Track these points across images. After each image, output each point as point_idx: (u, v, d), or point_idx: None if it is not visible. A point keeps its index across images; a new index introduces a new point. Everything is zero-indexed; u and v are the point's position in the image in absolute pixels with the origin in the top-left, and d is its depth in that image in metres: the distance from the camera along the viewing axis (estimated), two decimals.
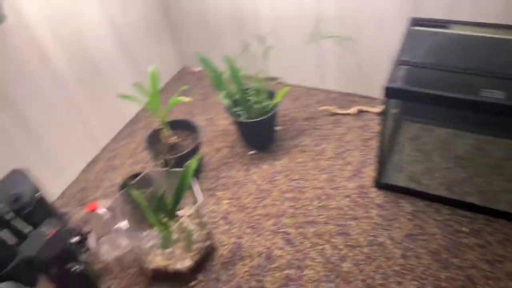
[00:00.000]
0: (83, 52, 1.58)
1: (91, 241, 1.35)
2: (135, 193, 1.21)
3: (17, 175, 1.29)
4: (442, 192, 1.36)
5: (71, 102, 1.57)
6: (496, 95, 1.05)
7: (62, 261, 1.13)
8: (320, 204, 1.40)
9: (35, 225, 1.21)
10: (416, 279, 1.16)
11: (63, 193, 1.60)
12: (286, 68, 1.87)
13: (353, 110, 1.72)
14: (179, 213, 1.35)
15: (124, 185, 1.46)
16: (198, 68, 2.14)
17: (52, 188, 1.56)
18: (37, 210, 1.26)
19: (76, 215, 1.50)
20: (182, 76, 2.15)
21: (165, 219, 1.27)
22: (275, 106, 1.52)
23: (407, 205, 1.35)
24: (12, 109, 1.34)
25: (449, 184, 1.38)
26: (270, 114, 1.50)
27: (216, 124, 1.81)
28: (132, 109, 1.92)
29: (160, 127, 1.51)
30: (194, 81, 2.11)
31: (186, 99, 1.35)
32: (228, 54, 1.50)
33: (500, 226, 1.25)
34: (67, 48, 1.50)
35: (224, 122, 1.81)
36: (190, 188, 1.24)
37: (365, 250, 1.25)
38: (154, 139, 1.52)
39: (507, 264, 1.16)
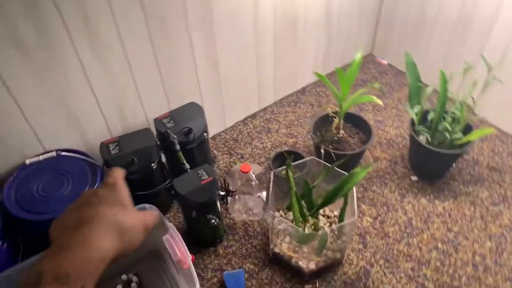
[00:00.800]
0: (291, 11, 1.52)
1: (231, 199, 1.36)
2: (291, 174, 1.16)
3: (193, 108, 1.33)
4: None
5: (258, 55, 1.55)
6: None
7: (205, 209, 1.15)
8: (473, 273, 1.19)
9: (192, 162, 1.25)
10: None
11: (216, 135, 1.64)
12: (488, 100, 1.59)
13: None
14: (321, 211, 1.28)
15: (277, 157, 1.43)
16: (385, 61, 1.96)
17: (211, 127, 1.60)
18: (198, 149, 1.30)
19: (221, 161, 1.53)
20: (365, 63, 2.00)
21: (306, 212, 1.21)
22: (467, 144, 1.30)
23: None
24: (211, 44, 1.37)
25: None
26: (458, 150, 1.30)
27: (383, 129, 1.65)
28: (304, 79, 1.86)
29: (333, 114, 1.42)
30: (375, 73, 1.94)
31: (379, 101, 1.21)
32: (443, 68, 1.30)
33: None
34: (280, 3, 1.46)
35: (394, 131, 1.64)
36: (345, 196, 1.14)
37: None
38: (322, 123, 1.44)
39: None
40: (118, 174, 0.50)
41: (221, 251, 1.27)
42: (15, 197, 1.06)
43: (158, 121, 1.26)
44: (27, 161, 1.05)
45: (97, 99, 1.20)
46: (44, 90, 1.08)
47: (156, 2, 1.15)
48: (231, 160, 1.55)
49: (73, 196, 1.07)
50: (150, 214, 0.49)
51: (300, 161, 1.22)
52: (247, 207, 1.38)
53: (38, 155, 1.11)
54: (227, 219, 1.35)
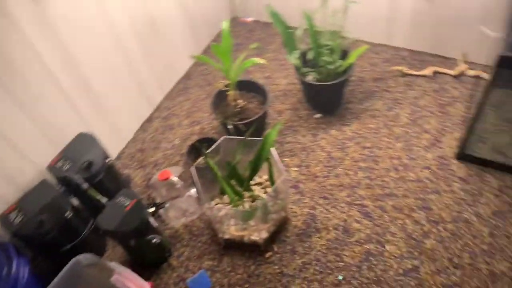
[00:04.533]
0: (148, 15, 1.45)
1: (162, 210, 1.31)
2: (211, 162, 1.15)
3: (84, 139, 1.23)
4: None
5: (128, 61, 1.46)
6: None
7: (141, 233, 1.09)
8: (397, 176, 1.32)
9: (106, 193, 1.17)
10: (507, 259, 1.11)
11: (121, 153, 1.55)
12: (350, 21, 1.71)
13: (428, 71, 1.58)
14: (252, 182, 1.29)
15: (191, 150, 1.39)
16: (250, 18, 1.98)
17: (110, 149, 1.50)
18: (107, 177, 1.22)
19: (136, 178, 1.46)
20: (233, 27, 2.00)
21: (239, 189, 1.22)
22: (349, 67, 1.40)
23: (493, 179, 1.27)
24: (75, 71, 1.25)
25: None
26: (344, 76, 1.39)
27: (275, 83, 1.70)
28: (183, 65, 1.81)
29: (225, 88, 1.41)
30: (245, 33, 1.96)
31: (261, 60, 1.23)
32: (302, 5, 1.35)
33: None
34: (128, 4, 1.37)
35: (284, 81, 1.70)
36: (267, 159, 1.16)
37: (449, 226, 1.19)
38: (219, 101, 1.43)
39: None
40: None
41: (175, 263, 1.23)
42: None
43: (52, 167, 1.15)
44: None
45: None
46: None
47: None
48: (146, 172, 1.48)
49: None
50: None
51: (214, 145, 1.21)
52: (182, 210, 1.34)
53: None
54: (167, 231, 1.31)
